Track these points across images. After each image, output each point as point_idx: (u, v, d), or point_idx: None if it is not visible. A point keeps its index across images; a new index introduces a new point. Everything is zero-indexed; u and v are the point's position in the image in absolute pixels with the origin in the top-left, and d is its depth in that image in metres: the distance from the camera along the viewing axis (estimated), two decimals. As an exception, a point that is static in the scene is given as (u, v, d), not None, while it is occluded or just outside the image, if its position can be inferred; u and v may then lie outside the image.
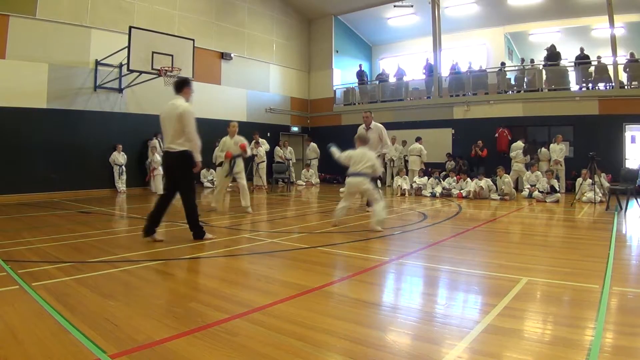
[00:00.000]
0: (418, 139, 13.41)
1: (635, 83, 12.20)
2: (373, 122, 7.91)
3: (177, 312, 2.65)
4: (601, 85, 12.86)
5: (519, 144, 11.76)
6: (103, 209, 8.44)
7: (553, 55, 13.55)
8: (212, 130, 14.02)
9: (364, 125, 7.90)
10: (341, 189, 6.38)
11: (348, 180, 5.99)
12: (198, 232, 4.89)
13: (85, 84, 11.37)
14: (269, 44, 16.71)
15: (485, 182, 10.42)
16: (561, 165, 11.41)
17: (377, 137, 7.79)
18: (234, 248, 4.69)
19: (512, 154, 11.74)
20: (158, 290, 3.13)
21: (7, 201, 9.41)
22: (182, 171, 4.73)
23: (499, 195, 10.11)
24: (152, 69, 10.48)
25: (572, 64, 13.29)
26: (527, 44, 17.05)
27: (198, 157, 4.66)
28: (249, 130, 14.99)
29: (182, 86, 4.86)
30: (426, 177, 11.75)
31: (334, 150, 6.32)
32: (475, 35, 16.98)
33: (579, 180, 10.06)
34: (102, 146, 11.43)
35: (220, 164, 8.28)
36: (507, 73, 14.59)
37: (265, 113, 16.48)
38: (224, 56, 14.82)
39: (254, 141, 12.95)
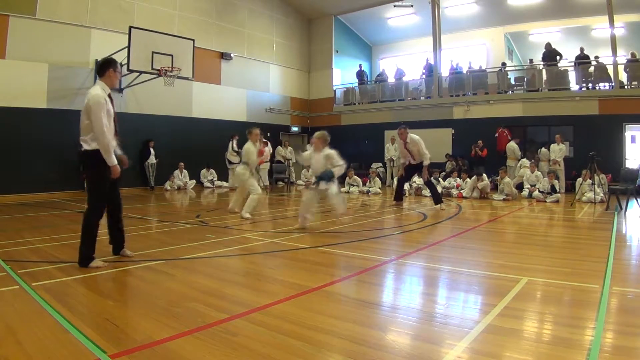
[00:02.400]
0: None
1: (635, 83, 12.20)
2: (409, 136, 7.96)
3: (177, 312, 2.65)
4: (601, 85, 12.86)
5: (513, 144, 11.82)
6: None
7: (550, 54, 13.55)
8: (212, 130, 14.14)
9: (397, 138, 8.07)
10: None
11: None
12: (81, 257, 3.74)
13: (85, 84, 11.35)
14: (269, 44, 16.72)
15: (486, 180, 10.42)
16: (559, 165, 11.41)
17: (417, 150, 7.97)
18: (234, 248, 4.68)
19: (508, 155, 11.82)
20: (158, 290, 3.13)
21: (7, 201, 9.41)
22: (90, 175, 3.86)
23: (504, 195, 10.09)
24: (152, 69, 10.48)
25: (572, 63, 13.30)
26: (527, 44, 17.05)
27: (110, 160, 3.71)
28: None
29: (102, 68, 3.91)
30: None
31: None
32: (475, 35, 16.98)
33: (579, 180, 10.06)
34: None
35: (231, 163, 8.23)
36: (508, 73, 14.59)
37: (265, 113, 16.48)
38: (224, 56, 14.82)
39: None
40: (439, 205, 8.00)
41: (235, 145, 13.02)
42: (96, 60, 11.33)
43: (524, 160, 11.49)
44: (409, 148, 8.03)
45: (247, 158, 6.93)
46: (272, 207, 9.24)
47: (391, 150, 14.50)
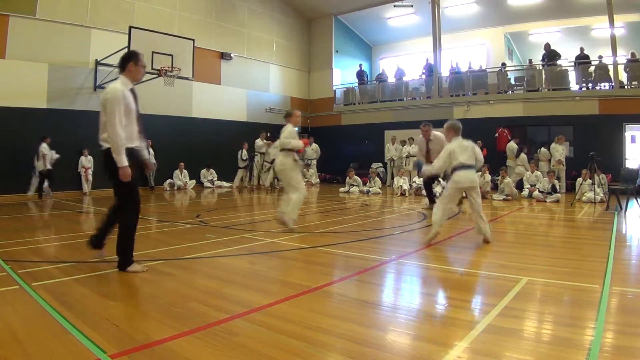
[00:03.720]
0: (410, 140, 13.53)
1: (635, 83, 12.20)
2: (433, 133, 7.57)
3: (177, 312, 2.65)
4: (601, 85, 12.85)
5: (513, 144, 11.83)
6: (103, 209, 8.44)
7: (549, 55, 13.55)
8: (212, 130, 14.14)
9: (422, 138, 7.62)
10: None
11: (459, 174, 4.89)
12: (123, 260, 3.61)
13: (85, 84, 11.37)
14: (269, 44, 16.72)
15: (488, 177, 10.42)
16: (563, 165, 11.41)
17: (440, 149, 7.34)
18: (234, 248, 4.68)
19: (507, 155, 11.83)
20: (158, 290, 3.13)
21: (7, 201, 9.42)
22: (114, 175, 3.53)
23: (504, 195, 10.09)
24: (152, 69, 10.47)
25: (572, 63, 13.30)
26: (527, 44, 17.05)
27: (119, 160, 3.40)
28: (249, 130, 15.04)
29: (123, 62, 3.67)
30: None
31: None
32: (475, 35, 16.98)
33: (579, 180, 10.06)
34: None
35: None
36: (508, 73, 14.59)
37: (265, 113, 16.48)
38: (224, 56, 14.82)
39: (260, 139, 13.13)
40: (458, 207, 7.63)
41: (264, 139, 13.19)
42: (96, 60, 11.35)
43: (523, 156, 11.49)
44: (431, 146, 7.50)
45: (287, 143, 5.61)
46: (272, 207, 9.24)
47: (391, 150, 14.50)
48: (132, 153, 3.53)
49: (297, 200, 5.59)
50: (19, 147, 9.91)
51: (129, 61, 3.67)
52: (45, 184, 10.16)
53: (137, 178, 3.59)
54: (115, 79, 3.75)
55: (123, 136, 3.44)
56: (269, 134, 13.69)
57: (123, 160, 3.43)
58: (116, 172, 3.47)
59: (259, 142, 13.58)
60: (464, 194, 5.56)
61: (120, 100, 3.45)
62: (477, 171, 5.40)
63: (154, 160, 12.42)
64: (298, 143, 5.68)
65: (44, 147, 10.10)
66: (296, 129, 5.81)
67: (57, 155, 10.32)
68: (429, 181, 8.02)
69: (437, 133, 7.48)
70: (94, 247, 3.86)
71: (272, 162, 13.67)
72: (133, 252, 3.64)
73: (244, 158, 13.51)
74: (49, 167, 10.15)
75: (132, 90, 3.63)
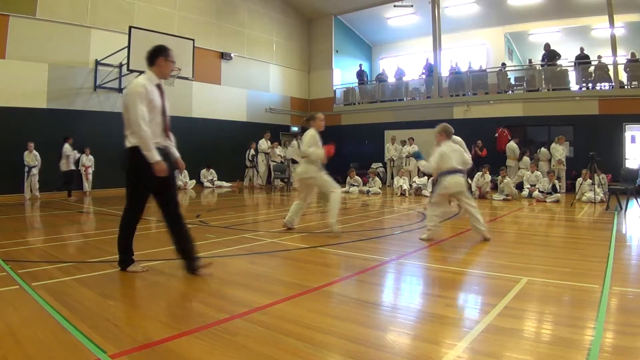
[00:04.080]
0: (410, 140, 13.56)
1: (635, 83, 12.20)
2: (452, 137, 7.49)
3: (177, 312, 2.65)
4: (601, 85, 12.85)
5: (513, 144, 11.83)
6: (103, 209, 8.44)
7: (550, 54, 13.55)
8: (212, 130, 14.13)
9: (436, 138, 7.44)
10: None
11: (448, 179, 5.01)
12: (120, 258, 3.54)
13: (85, 84, 11.37)
14: (269, 44, 16.72)
15: (488, 177, 10.43)
16: (564, 165, 11.42)
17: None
18: (234, 248, 4.68)
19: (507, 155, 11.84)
20: (158, 290, 3.13)
21: (7, 201, 9.42)
22: (127, 175, 3.43)
23: (504, 195, 10.08)
24: (152, 69, 10.48)
25: (572, 63, 13.30)
26: (527, 44, 17.05)
27: (150, 156, 3.21)
28: (249, 130, 15.05)
29: (153, 56, 3.52)
30: (426, 177, 11.75)
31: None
32: (475, 35, 16.98)
33: (579, 180, 10.07)
34: (102, 146, 11.40)
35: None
36: (507, 73, 14.59)
37: (265, 113, 16.48)
38: (224, 56, 14.82)
39: (263, 139, 13.15)
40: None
41: (300, 144, 13.19)
42: (96, 60, 11.35)
43: (526, 159, 11.50)
44: None
45: (308, 154, 5.33)
46: (273, 207, 9.25)
47: (391, 150, 14.51)
48: (169, 152, 3.36)
49: (336, 199, 5.34)
50: (19, 147, 9.89)
51: (160, 55, 3.50)
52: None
53: (149, 178, 3.30)
54: (140, 74, 3.59)
55: (149, 131, 3.24)
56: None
57: (154, 155, 3.23)
58: (130, 172, 3.34)
59: (263, 142, 13.59)
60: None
61: (143, 95, 3.26)
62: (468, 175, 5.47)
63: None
64: (319, 153, 5.29)
65: (67, 148, 10.53)
66: (317, 133, 5.44)
67: (79, 155, 10.79)
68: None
69: (455, 137, 7.41)
70: (193, 271, 3.48)
71: (282, 162, 13.77)
72: (132, 252, 3.53)
73: (251, 158, 13.60)
74: (72, 167, 10.62)
75: (159, 86, 3.46)
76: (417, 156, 6.10)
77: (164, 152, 3.42)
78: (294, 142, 13.73)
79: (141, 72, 3.51)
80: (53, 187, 10.42)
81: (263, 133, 13.86)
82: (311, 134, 5.40)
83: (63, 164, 10.45)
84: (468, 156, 5.26)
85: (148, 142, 3.22)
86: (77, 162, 10.87)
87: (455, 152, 5.06)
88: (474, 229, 5.01)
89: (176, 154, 3.64)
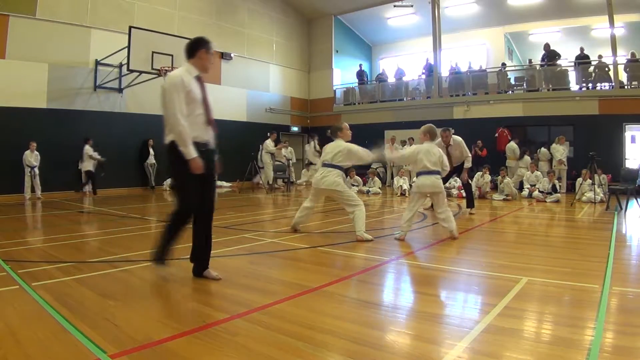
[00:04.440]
0: (410, 140, 13.61)
1: (635, 83, 12.20)
2: (453, 137, 7.47)
3: (177, 312, 2.65)
4: (601, 85, 12.86)
5: (513, 144, 11.84)
6: (103, 209, 8.44)
7: (550, 54, 13.56)
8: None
9: (441, 142, 7.32)
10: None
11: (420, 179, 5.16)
12: (155, 254, 3.30)
13: (85, 84, 11.37)
14: (269, 44, 16.71)
15: (487, 178, 10.43)
16: (564, 165, 11.42)
17: (459, 152, 7.46)
18: (234, 248, 4.68)
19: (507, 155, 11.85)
20: (158, 290, 3.13)
21: (7, 201, 9.42)
22: (171, 171, 3.38)
23: (504, 195, 10.08)
24: (152, 69, 10.48)
25: (572, 63, 13.30)
26: (527, 44, 17.05)
27: (186, 152, 3.06)
28: (249, 130, 15.05)
29: (193, 48, 3.33)
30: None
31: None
32: (475, 35, 16.98)
33: (579, 180, 10.07)
34: (102, 146, 11.40)
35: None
36: (507, 73, 14.60)
37: (265, 113, 16.48)
38: (224, 56, 14.82)
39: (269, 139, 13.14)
40: (469, 209, 7.64)
41: (316, 144, 13.16)
42: (96, 60, 11.34)
43: (526, 158, 11.52)
44: (450, 151, 7.38)
45: (350, 159, 5.32)
46: (273, 207, 9.25)
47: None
48: (196, 148, 3.13)
49: (360, 217, 5.23)
50: (19, 147, 9.88)
51: (201, 47, 3.33)
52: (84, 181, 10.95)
53: (200, 177, 3.13)
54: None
55: (187, 126, 3.08)
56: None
57: (191, 152, 3.07)
58: (174, 168, 3.17)
59: (269, 143, 13.55)
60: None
61: (179, 88, 3.11)
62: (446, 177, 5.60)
63: (153, 161, 12.49)
64: (364, 158, 5.34)
65: (88, 149, 10.89)
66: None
67: (99, 157, 11.03)
68: (466, 183, 7.90)
69: (456, 138, 7.49)
70: (197, 274, 3.42)
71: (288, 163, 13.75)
72: (167, 253, 3.29)
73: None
74: (90, 168, 10.98)
75: (199, 78, 3.32)
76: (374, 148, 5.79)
77: (205, 147, 3.25)
78: (312, 143, 13.67)
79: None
80: (79, 188, 10.98)
81: (269, 133, 13.82)
82: (349, 145, 5.32)
83: (86, 164, 10.89)
84: (446, 162, 5.36)
85: (185, 137, 3.06)
86: (96, 163, 11.13)
87: (433, 154, 5.14)
88: (443, 226, 5.21)
89: (216, 154, 3.43)
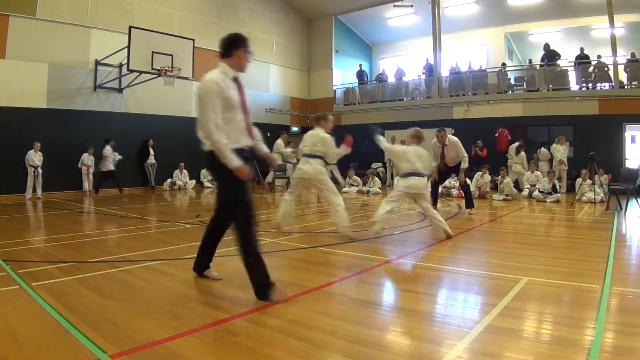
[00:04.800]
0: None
1: (635, 83, 12.21)
2: (448, 138, 7.55)
3: (177, 312, 2.65)
4: (601, 85, 12.86)
5: (514, 146, 11.86)
6: (103, 209, 8.44)
7: (549, 54, 13.56)
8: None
9: (437, 142, 7.53)
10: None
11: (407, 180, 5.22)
12: (261, 286, 2.88)
13: (85, 84, 11.37)
14: (269, 44, 16.71)
15: (487, 178, 10.44)
16: (565, 165, 11.42)
17: (455, 153, 7.49)
18: (234, 248, 4.67)
19: (509, 155, 11.87)
20: (158, 290, 3.13)
21: (7, 201, 9.42)
22: (220, 181, 3.11)
23: (504, 195, 10.08)
24: (152, 69, 10.48)
25: (572, 63, 13.30)
26: (527, 44, 17.05)
27: (229, 163, 2.82)
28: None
29: (230, 46, 3.03)
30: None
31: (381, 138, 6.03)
32: (475, 35, 16.98)
33: (579, 180, 10.07)
34: (102, 146, 11.40)
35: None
36: (507, 73, 14.60)
37: (265, 113, 16.47)
38: (224, 56, 14.80)
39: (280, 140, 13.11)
40: (468, 210, 7.64)
41: (285, 142, 13.15)
42: (96, 60, 11.34)
43: (522, 155, 11.54)
44: (446, 151, 7.51)
45: (326, 149, 5.32)
46: (273, 207, 9.24)
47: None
48: (240, 155, 2.90)
49: (340, 209, 5.22)
50: (19, 147, 9.88)
51: (240, 46, 3.03)
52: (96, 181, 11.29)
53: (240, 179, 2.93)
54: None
55: (222, 135, 2.84)
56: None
57: (233, 161, 2.82)
58: (223, 174, 2.92)
59: (280, 143, 13.51)
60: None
61: (216, 94, 2.84)
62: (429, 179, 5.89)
63: (153, 162, 12.47)
64: (337, 153, 5.37)
65: (108, 150, 11.29)
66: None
67: (119, 157, 11.42)
68: (437, 183, 7.97)
69: (452, 138, 7.54)
70: (199, 273, 3.37)
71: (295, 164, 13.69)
72: (267, 276, 2.90)
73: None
74: (111, 167, 11.32)
75: (236, 80, 3.03)
76: (374, 132, 6.22)
77: (248, 152, 3.07)
78: (280, 141, 13.57)
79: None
80: (95, 189, 11.27)
81: (280, 134, 13.78)
82: (328, 136, 5.38)
83: (107, 164, 11.28)
84: (431, 164, 5.58)
85: (223, 150, 2.82)
86: (116, 163, 11.47)
87: (419, 157, 5.30)
88: (435, 227, 5.33)
89: (264, 149, 3.32)
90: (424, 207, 5.30)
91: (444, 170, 7.88)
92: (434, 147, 7.75)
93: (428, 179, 5.71)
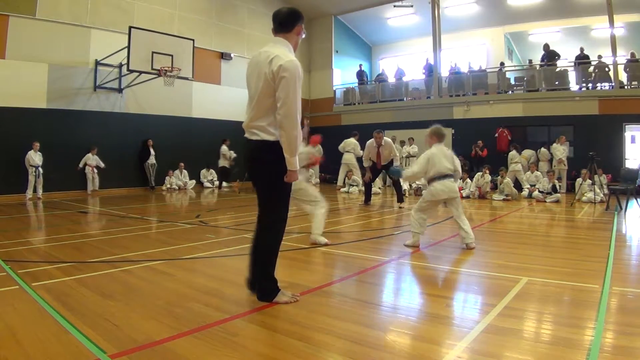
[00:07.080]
0: (410, 140, 13.62)
1: (635, 83, 12.20)
2: (384, 139, 8.48)
3: (177, 312, 2.65)
4: (601, 85, 12.86)
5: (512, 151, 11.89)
6: (103, 209, 8.44)
7: (549, 55, 13.56)
8: (212, 130, 14.10)
9: (374, 142, 8.52)
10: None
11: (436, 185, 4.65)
12: (266, 289, 2.77)
13: (85, 84, 11.37)
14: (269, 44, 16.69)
15: (487, 178, 10.44)
16: (565, 164, 11.42)
17: (388, 152, 8.50)
18: (234, 248, 4.68)
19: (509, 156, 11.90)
20: (158, 290, 3.13)
21: (8, 201, 9.42)
22: (268, 176, 2.68)
23: (504, 195, 10.08)
24: (152, 69, 10.48)
25: (572, 63, 13.30)
26: (527, 44, 17.05)
27: (294, 164, 2.55)
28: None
29: (291, 21, 2.76)
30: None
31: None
32: (475, 35, 16.98)
33: (579, 180, 10.07)
34: (102, 146, 11.40)
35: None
36: (507, 73, 14.60)
37: (265, 113, 16.46)
38: (224, 56, 14.81)
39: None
40: (399, 204, 8.45)
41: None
42: (96, 60, 11.34)
43: (525, 152, 11.56)
44: (381, 151, 8.47)
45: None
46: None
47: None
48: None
49: (320, 217, 4.92)
50: (19, 147, 9.87)
51: (299, 21, 2.77)
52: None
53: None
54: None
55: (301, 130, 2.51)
56: None
57: (296, 163, 2.56)
58: (276, 172, 2.58)
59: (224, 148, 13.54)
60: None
61: (300, 79, 2.53)
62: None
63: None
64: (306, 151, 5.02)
65: (224, 149, 12.85)
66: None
67: (234, 155, 12.72)
68: (371, 181, 9.04)
69: (387, 139, 8.52)
70: (253, 291, 2.89)
71: None
72: (276, 280, 2.79)
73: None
74: (225, 164, 12.90)
75: None
76: (396, 173, 5.98)
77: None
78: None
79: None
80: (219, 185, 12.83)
81: None
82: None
83: (224, 162, 12.90)
84: (459, 164, 4.89)
85: (298, 145, 2.54)
86: (232, 161, 12.82)
87: (446, 156, 4.69)
88: (460, 238, 4.71)
89: (313, 149, 3.14)
90: (460, 215, 4.71)
91: (378, 169, 8.84)
92: (370, 147, 8.66)
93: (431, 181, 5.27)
